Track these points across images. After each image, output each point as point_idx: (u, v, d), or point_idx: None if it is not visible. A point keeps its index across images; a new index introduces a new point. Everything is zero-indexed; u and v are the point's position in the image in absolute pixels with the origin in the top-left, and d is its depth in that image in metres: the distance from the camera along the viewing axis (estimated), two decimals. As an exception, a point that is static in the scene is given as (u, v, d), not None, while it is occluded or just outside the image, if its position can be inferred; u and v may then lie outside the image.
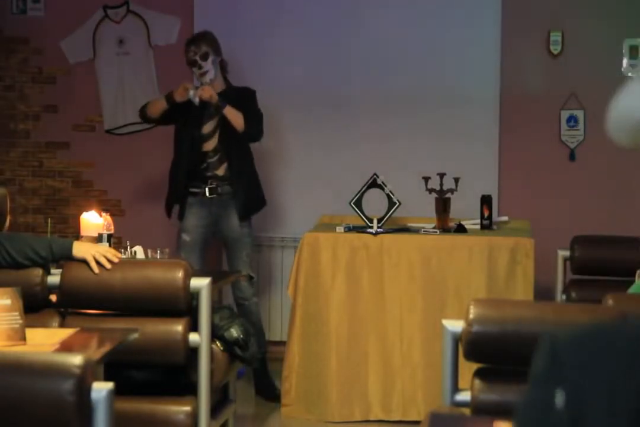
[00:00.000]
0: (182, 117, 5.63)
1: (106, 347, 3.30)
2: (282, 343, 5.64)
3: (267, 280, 6.42)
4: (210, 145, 5.65)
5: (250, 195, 5.70)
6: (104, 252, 4.05)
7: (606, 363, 1.16)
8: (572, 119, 6.28)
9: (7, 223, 4.09)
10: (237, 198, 5.63)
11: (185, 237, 5.68)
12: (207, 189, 5.64)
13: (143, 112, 5.76)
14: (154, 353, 3.95)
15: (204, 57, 5.63)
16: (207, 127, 5.65)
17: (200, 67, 5.62)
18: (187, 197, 5.69)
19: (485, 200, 5.53)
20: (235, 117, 5.55)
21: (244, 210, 5.65)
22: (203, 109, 5.61)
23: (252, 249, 5.83)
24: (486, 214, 5.52)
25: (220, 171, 5.66)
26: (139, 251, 4.59)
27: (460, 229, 5.37)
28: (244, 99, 5.65)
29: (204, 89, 5.54)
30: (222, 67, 5.74)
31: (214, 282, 4.12)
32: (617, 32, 6.19)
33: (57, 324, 3.96)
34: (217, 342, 4.24)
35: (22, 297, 3.45)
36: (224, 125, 5.60)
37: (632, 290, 3.66)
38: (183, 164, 5.65)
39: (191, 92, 5.54)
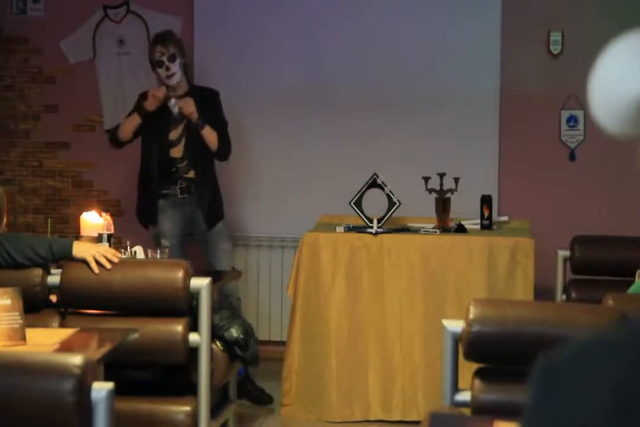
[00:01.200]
0: (151, 120, 5.53)
1: (106, 347, 3.30)
2: (282, 343, 5.63)
3: (267, 280, 6.41)
4: (177, 152, 5.59)
5: (211, 209, 5.64)
6: (104, 252, 4.05)
7: (606, 381, 1.05)
8: (572, 119, 6.27)
9: (5, 221, 4.07)
10: (201, 209, 5.60)
11: (165, 242, 5.56)
12: (178, 190, 5.61)
13: (115, 139, 5.69)
14: (154, 353, 3.95)
15: (172, 59, 5.53)
16: (173, 134, 5.59)
17: (167, 69, 5.51)
18: (159, 200, 5.62)
19: (485, 201, 5.53)
20: (212, 137, 5.50)
21: (208, 221, 5.63)
22: (167, 117, 5.54)
23: (231, 243, 5.83)
24: (486, 214, 5.52)
25: (190, 175, 5.62)
26: (139, 251, 4.59)
27: (460, 229, 5.37)
28: (207, 103, 5.57)
29: (187, 103, 5.45)
30: (185, 69, 5.65)
31: (213, 282, 4.13)
32: (617, 32, 6.16)
33: (57, 324, 3.96)
34: (217, 342, 4.24)
35: (22, 297, 3.45)
36: (189, 133, 5.55)
37: (632, 290, 3.66)
38: (154, 170, 5.58)
39: (173, 101, 5.46)
